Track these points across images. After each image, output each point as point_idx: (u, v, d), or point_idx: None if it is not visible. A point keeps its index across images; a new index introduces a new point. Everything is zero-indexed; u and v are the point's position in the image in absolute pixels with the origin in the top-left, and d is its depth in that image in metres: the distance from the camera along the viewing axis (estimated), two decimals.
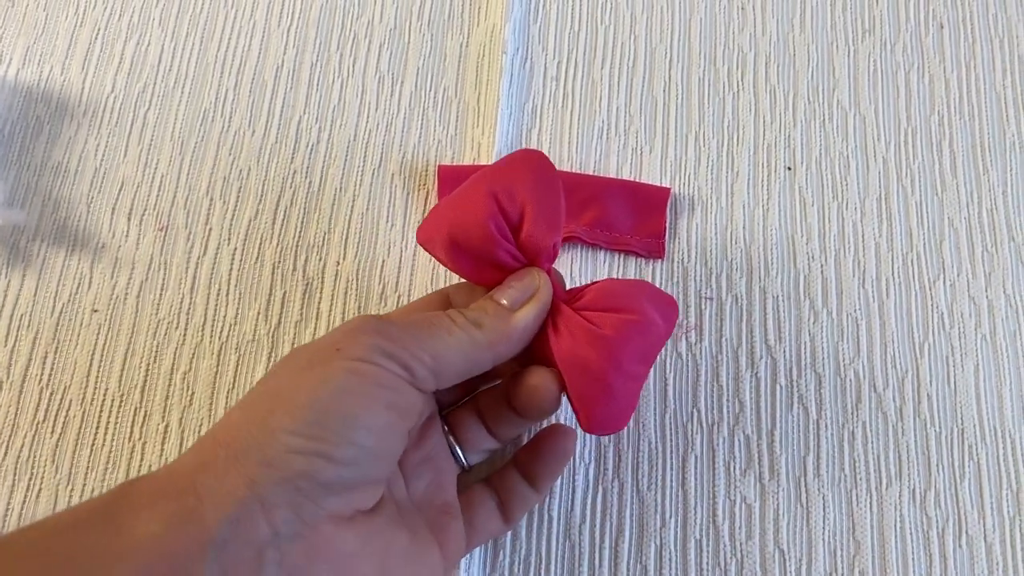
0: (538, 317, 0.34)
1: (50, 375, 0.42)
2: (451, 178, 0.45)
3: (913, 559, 0.39)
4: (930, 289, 0.44)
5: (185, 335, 0.43)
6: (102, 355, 0.43)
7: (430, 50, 0.49)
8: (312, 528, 0.27)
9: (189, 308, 0.43)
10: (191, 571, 0.25)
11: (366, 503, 0.30)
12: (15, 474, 0.40)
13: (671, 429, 0.41)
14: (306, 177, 0.46)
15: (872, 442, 0.41)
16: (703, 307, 0.43)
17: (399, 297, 0.44)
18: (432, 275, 0.44)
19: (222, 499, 0.26)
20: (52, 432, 0.41)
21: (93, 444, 0.41)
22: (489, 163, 0.46)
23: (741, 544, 0.39)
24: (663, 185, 0.46)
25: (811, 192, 0.46)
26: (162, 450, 0.41)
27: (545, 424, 0.40)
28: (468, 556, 0.39)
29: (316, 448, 0.27)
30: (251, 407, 0.29)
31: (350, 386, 0.28)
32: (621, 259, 0.44)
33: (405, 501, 0.34)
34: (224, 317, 0.43)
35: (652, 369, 0.42)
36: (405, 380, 0.30)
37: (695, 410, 0.42)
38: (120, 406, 0.42)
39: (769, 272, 0.44)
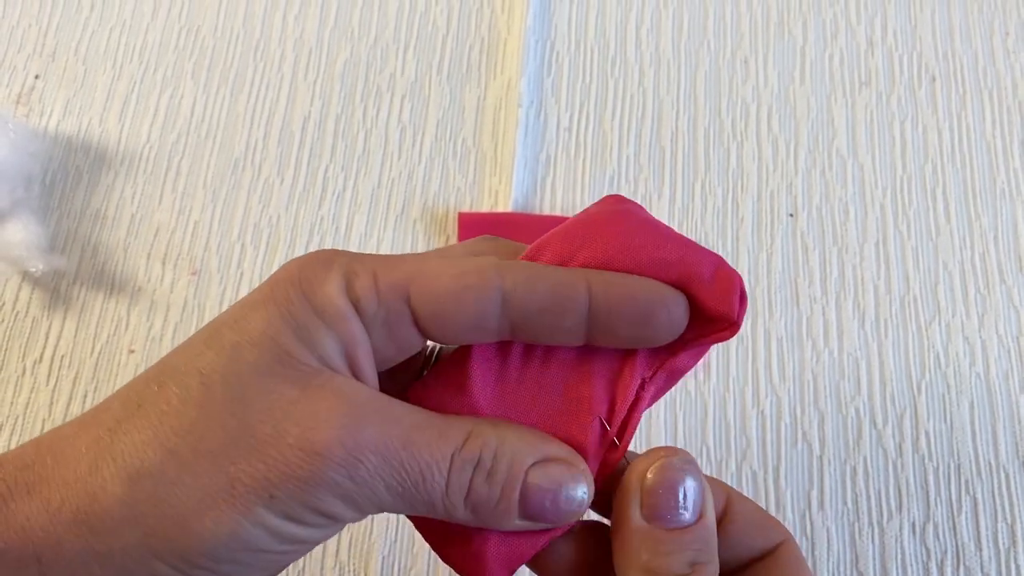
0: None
1: None
2: (471, 225, 0.48)
3: None
4: (926, 330, 0.46)
5: None
6: None
7: (449, 102, 0.52)
8: None
9: None
10: None
11: None
12: None
13: None
14: (333, 223, 0.49)
15: (873, 477, 0.43)
16: (710, 348, 0.46)
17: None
18: None
19: None
20: None
21: None
22: (506, 210, 0.48)
23: None
24: None
25: (812, 237, 0.48)
26: None
27: None
28: None
29: None
30: (139, 481, 0.22)
31: (259, 547, 0.23)
32: None
33: None
34: None
35: (663, 404, 0.44)
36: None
37: (704, 446, 0.44)
38: None
39: (773, 314, 0.47)
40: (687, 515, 0.25)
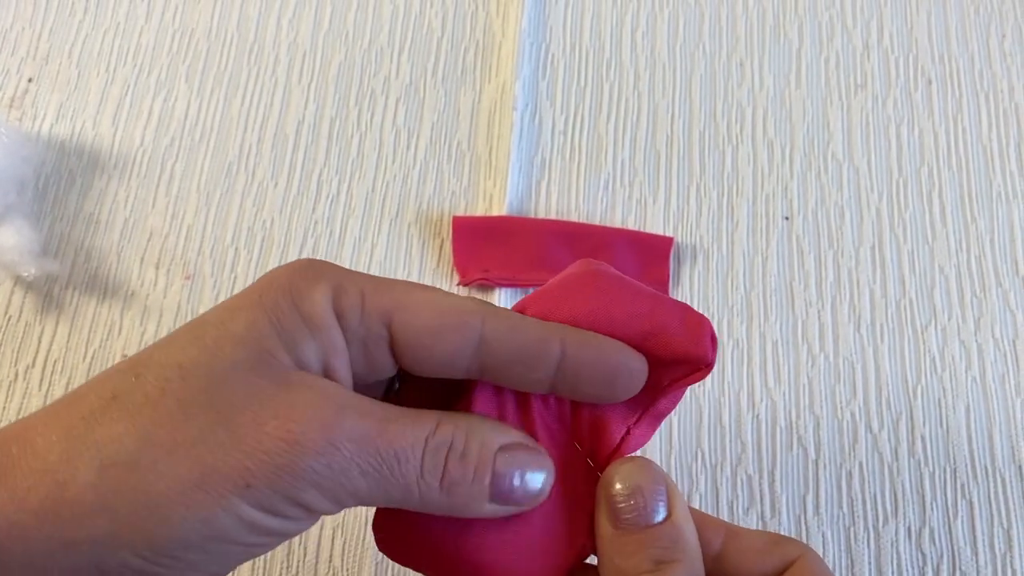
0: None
1: None
2: (465, 228, 0.47)
3: None
4: (922, 334, 0.46)
5: None
6: None
7: (444, 106, 0.52)
8: None
9: None
10: None
11: None
12: None
13: (676, 469, 0.43)
14: (327, 227, 0.49)
15: (869, 481, 0.43)
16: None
17: None
18: None
19: None
20: None
21: None
22: (500, 213, 0.48)
23: None
24: (666, 234, 0.48)
25: (808, 241, 0.48)
26: None
27: None
28: None
29: (157, 573, 0.23)
30: (112, 469, 0.22)
31: (230, 538, 0.23)
32: None
33: None
34: None
35: None
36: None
37: (699, 450, 0.44)
38: None
39: (768, 318, 0.46)
40: (650, 516, 0.26)
